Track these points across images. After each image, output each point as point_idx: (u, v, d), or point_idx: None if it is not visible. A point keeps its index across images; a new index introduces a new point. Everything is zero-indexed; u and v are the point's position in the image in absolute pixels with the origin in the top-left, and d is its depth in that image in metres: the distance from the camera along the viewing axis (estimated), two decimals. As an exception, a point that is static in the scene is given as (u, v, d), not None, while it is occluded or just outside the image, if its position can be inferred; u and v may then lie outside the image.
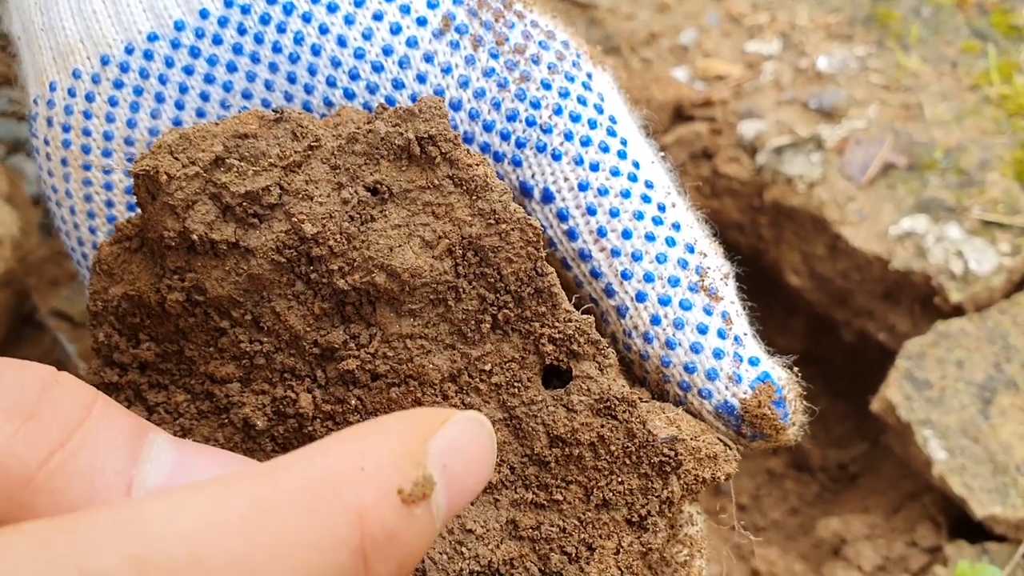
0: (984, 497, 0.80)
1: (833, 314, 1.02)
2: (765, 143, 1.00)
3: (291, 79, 0.48)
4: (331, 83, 0.48)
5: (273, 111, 0.41)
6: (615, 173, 0.47)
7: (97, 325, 0.44)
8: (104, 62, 0.48)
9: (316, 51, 0.47)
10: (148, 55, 0.48)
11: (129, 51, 0.48)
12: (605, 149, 0.47)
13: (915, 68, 1.05)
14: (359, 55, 0.47)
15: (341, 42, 0.47)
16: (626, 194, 0.46)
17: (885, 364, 0.89)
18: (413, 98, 0.47)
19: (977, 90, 1.02)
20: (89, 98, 0.49)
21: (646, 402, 0.44)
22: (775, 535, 0.98)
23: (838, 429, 1.10)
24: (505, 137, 0.47)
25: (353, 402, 0.43)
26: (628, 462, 0.43)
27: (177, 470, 0.34)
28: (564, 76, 0.48)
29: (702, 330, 0.45)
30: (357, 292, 0.41)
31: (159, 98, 0.48)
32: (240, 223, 0.40)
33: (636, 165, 0.47)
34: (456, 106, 0.47)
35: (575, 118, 0.47)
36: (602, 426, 0.42)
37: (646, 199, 0.46)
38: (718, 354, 0.45)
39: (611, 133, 0.48)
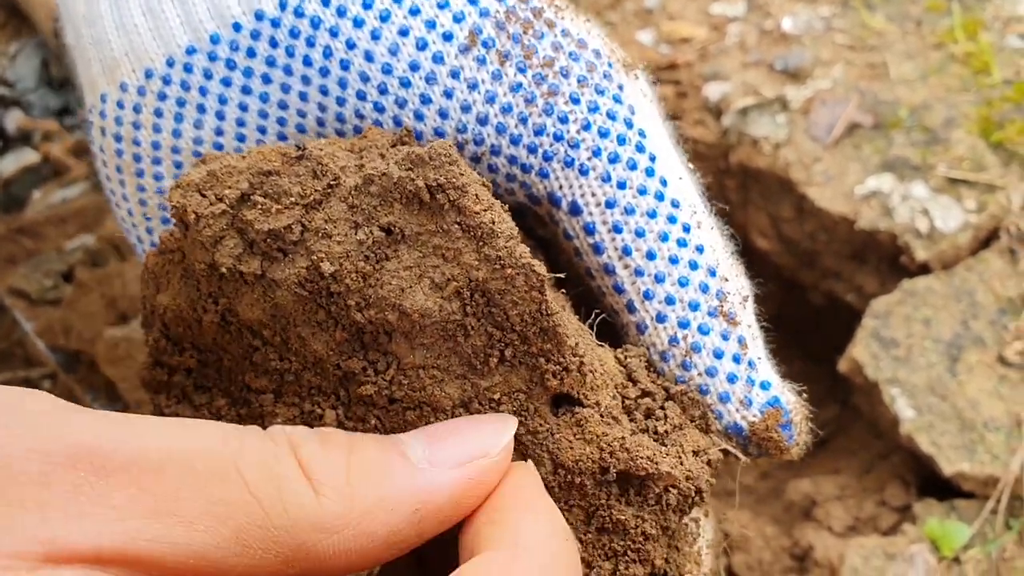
0: (952, 454, 0.80)
1: (801, 277, 1.02)
2: (730, 105, 0.99)
3: (323, 92, 0.48)
4: (361, 96, 0.48)
5: (296, 147, 0.43)
6: (642, 192, 0.47)
7: (148, 328, 0.47)
8: (148, 75, 0.50)
9: (345, 66, 0.48)
10: (188, 68, 0.49)
11: (170, 64, 0.49)
12: (633, 167, 0.47)
13: (880, 27, 1.04)
14: (387, 71, 0.48)
15: (368, 57, 0.47)
16: (652, 215, 0.47)
17: (854, 325, 0.88)
18: (442, 113, 0.48)
19: (942, 48, 1.02)
20: (136, 109, 0.51)
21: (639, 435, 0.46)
22: (746, 499, 0.98)
23: (809, 392, 1.10)
24: (532, 151, 0.47)
25: (372, 421, 0.45)
26: (625, 493, 0.44)
27: None
28: (594, 89, 0.47)
29: (718, 355, 0.46)
30: (373, 325, 0.43)
31: (201, 109, 0.50)
32: (265, 257, 0.42)
33: (664, 183, 0.47)
34: (483, 120, 0.47)
35: (603, 134, 0.47)
36: (600, 457, 0.44)
37: (672, 219, 0.47)
38: (731, 379, 0.46)
39: (639, 149, 0.47)
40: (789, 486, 0.92)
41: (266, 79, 0.49)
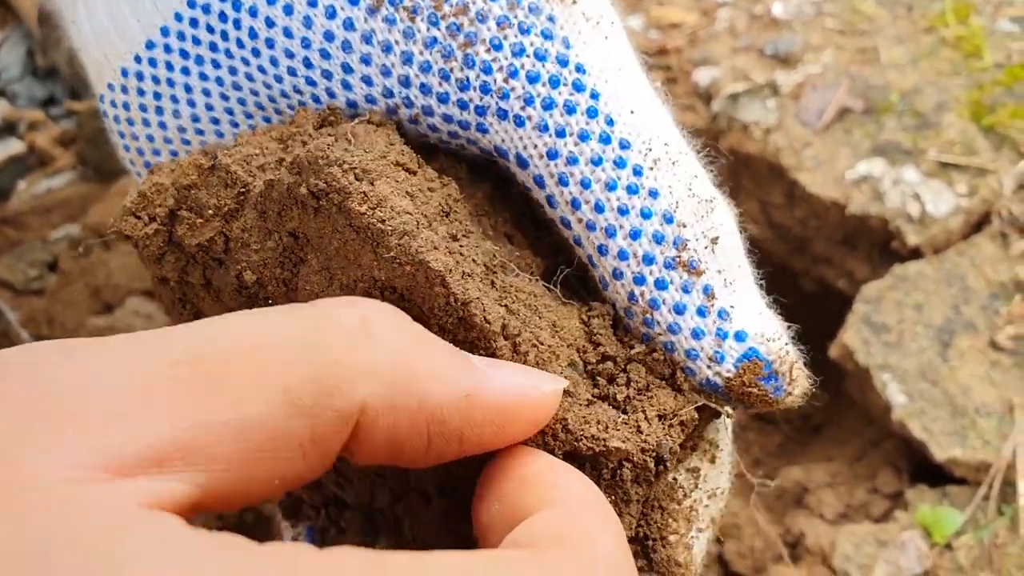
0: (944, 440, 0.79)
1: (792, 263, 1.01)
2: (721, 90, 0.99)
3: (262, 71, 0.47)
4: (292, 73, 0.47)
5: (210, 156, 0.44)
6: (584, 137, 0.43)
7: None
8: (124, 74, 0.51)
9: (270, 44, 0.47)
10: (152, 62, 0.50)
11: (138, 60, 0.50)
12: (571, 110, 0.43)
13: (870, 12, 1.04)
14: (305, 44, 0.46)
15: (287, 33, 0.46)
16: (597, 161, 0.43)
17: (845, 312, 0.88)
18: (365, 79, 0.45)
19: (933, 32, 1.01)
20: (126, 107, 0.52)
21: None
22: (738, 486, 0.97)
23: (801, 380, 1.09)
24: (463, 107, 0.44)
25: None
26: (581, 466, 0.41)
27: None
28: (518, 29, 0.43)
29: (679, 310, 0.42)
30: None
31: (173, 99, 0.50)
32: (205, 267, 0.44)
33: (609, 122, 0.43)
34: (406, 82, 0.45)
35: (533, 78, 0.43)
36: (544, 441, 0.41)
37: (620, 163, 0.42)
38: (697, 334, 0.42)
39: (577, 87, 0.43)
40: (781, 474, 0.92)
41: (215, 64, 0.48)
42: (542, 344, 0.41)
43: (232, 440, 0.28)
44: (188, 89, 0.49)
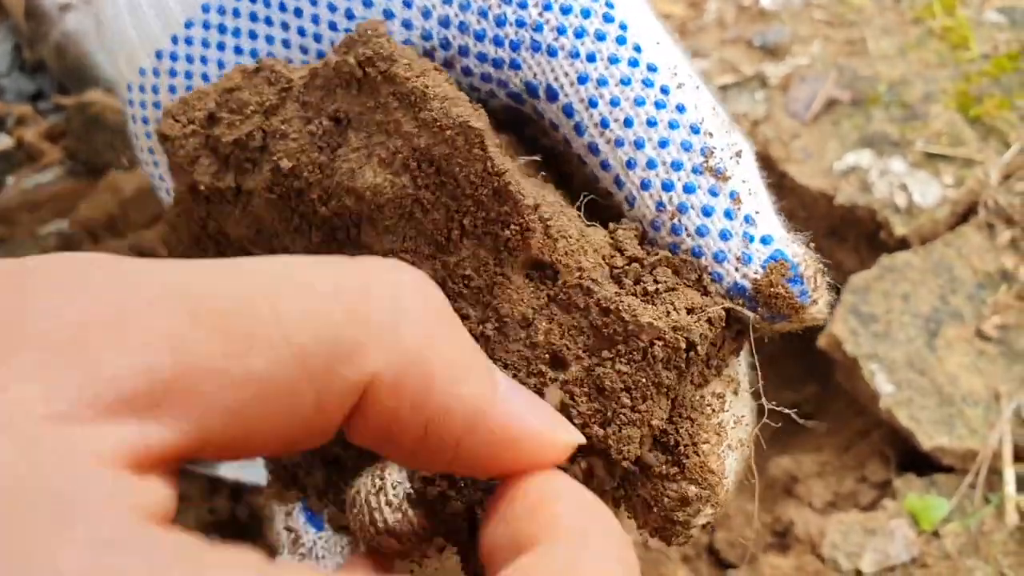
0: (931, 429, 0.80)
1: (781, 254, 1.01)
2: (709, 82, 0.99)
3: (301, 33, 0.50)
4: (333, 27, 0.49)
5: (255, 62, 0.46)
6: (614, 60, 0.45)
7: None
8: (158, 56, 0.53)
9: (314, 1, 0.49)
10: (189, 41, 0.52)
11: (174, 41, 0.52)
12: (601, 37, 0.45)
13: (858, 3, 1.04)
14: None
15: None
16: (626, 81, 0.44)
17: (833, 303, 0.88)
18: (406, 23, 0.47)
19: (920, 23, 1.01)
20: (155, 90, 0.53)
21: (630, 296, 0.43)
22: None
23: (790, 370, 1.10)
24: (498, 43, 0.46)
25: None
26: (613, 348, 0.41)
27: None
28: None
29: (707, 212, 0.43)
30: (340, 218, 0.43)
31: (205, 78, 0.52)
32: (237, 169, 0.44)
33: (637, 48, 0.45)
34: (445, 23, 0.47)
35: (566, 10, 0.45)
36: (584, 316, 0.41)
37: (648, 83, 0.44)
38: (724, 235, 0.43)
39: (607, 19, 0.45)
40: (770, 463, 0.92)
41: (252, 35, 0.50)
42: (571, 238, 0.42)
43: (234, 390, 0.26)
44: (221, 65, 0.51)
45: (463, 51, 0.47)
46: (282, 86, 0.44)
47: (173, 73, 0.52)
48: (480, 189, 0.41)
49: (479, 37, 0.47)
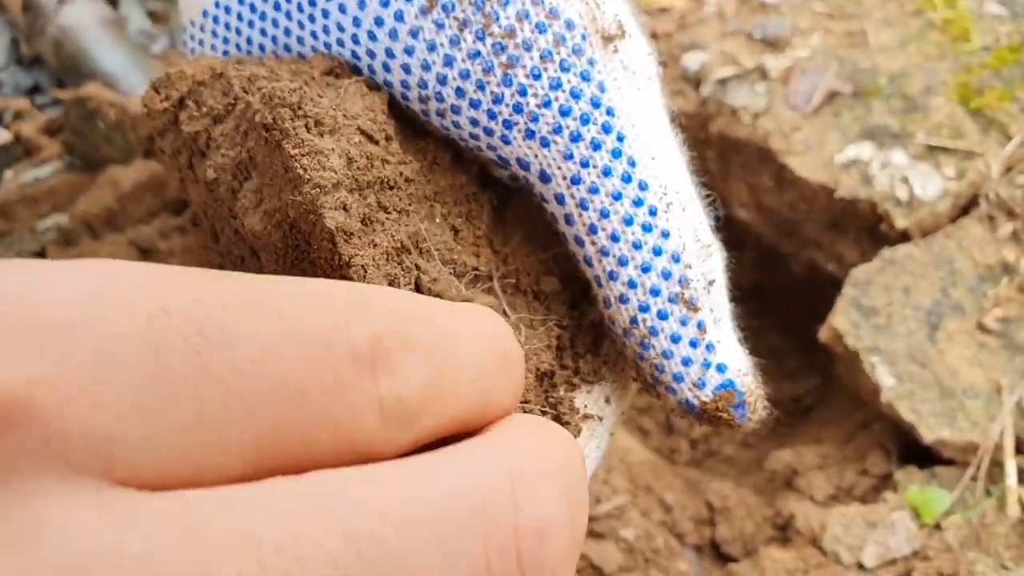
0: (932, 422, 0.80)
1: (781, 246, 1.01)
2: (709, 75, 0.99)
3: (314, 36, 0.51)
4: (340, 44, 0.50)
5: (222, 65, 0.48)
6: (607, 173, 0.46)
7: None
8: (204, 15, 0.56)
9: (325, 14, 0.50)
10: (227, 9, 0.54)
11: (217, 6, 0.55)
12: (597, 146, 0.46)
13: (859, -5, 1.04)
14: (356, 23, 0.49)
15: (342, 9, 0.49)
16: (617, 196, 0.46)
17: (834, 295, 0.88)
18: (405, 68, 0.48)
19: (921, 15, 1.01)
20: (201, 44, 0.56)
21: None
22: (729, 469, 0.98)
23: (790, 363, 1.10)
24: (492, 117, 0.47)
25: None
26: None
27: None
28: (558, 65, 0.45)
29: (675, 339, 0.47)
30: (244, 241, 0.47)
31: (238, 47, 0.55)
32: (191, 154, 0.48)
33: (632, 163, 0.46)
34: (443, 81, 0.47)
35: (565, 112, 0.45)
36: None
37: (637, 203, 0.46)
38: (686, 362, 0.47)
39: (605, 129, 0.46)
40: (771, 456, 0.92)
41: (275, 23, 0.53)
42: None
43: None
44: (250, 42, 0.54)
45: (455, 110, 0.48)
46: (229, 101, 0.46)
47: (215, 34, 0.55)
48: (331, 273, 0.43)
49: (474, 105, 0.47)
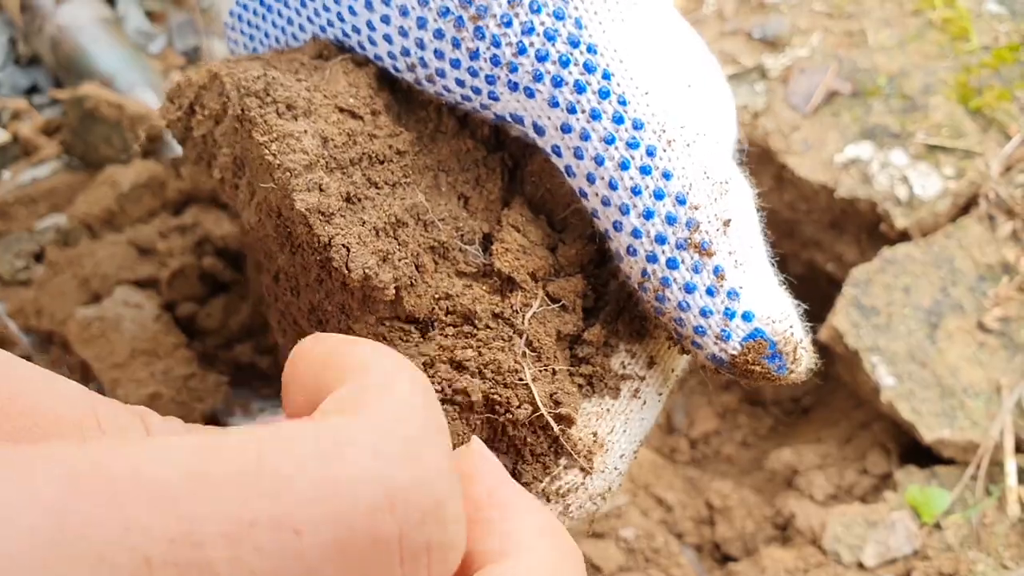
0: (932, 421, 0.80)
1: (781, 247, 1.01)
2: (708, 74, 0.98)
3: (311, 21, 0.52)
4: (331, 24, 0.51)
5: (217, 65, 0.49)
6: (595, 116, 0.43)
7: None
8: (231, 15, 0.57)
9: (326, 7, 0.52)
10: (246, 7, 0.55)
11: (238, 3, 0.56)
12: (581, 88, 0.43)
13: (858, -6, 1.03)
14: (338, 2, 0.49)
15: None
16: (610, 140, 0.43)
17: (834, 295, 0.88)
18: (387, 37, 0.47)
19: (920, 15, 1.01)
20: (236, 43, 0.58)
21: None
22: (729, 469, 0.98)
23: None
24: (474, 74, 0.45)
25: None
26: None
27: None
28: (528, 8, 0.43)
29: (689, 288, 0.43)
30: (249, 234, 0.51)
31: (266, 35, 0.56)
32: (209, 157, 0.49)
33: (622, 102, 0.43)
34: (421, 45, 0.46)
35: (541, 57, 0.43)
36: None
37: (632, 144, 0.43)
38: (705, 312, 0.43)
39: (588, 68, 0.43)
40: (771, 456, 0.92)
41: (280, 15, 0.54)
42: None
43: None
44: (267, 35, 0.55)
45: (440, 73, 0.46)
46: (224, 101, 0.46)
47: (250, 24, 0.56)
48: (313, 255, 0.43)
49: (454, 65, 0.45)
